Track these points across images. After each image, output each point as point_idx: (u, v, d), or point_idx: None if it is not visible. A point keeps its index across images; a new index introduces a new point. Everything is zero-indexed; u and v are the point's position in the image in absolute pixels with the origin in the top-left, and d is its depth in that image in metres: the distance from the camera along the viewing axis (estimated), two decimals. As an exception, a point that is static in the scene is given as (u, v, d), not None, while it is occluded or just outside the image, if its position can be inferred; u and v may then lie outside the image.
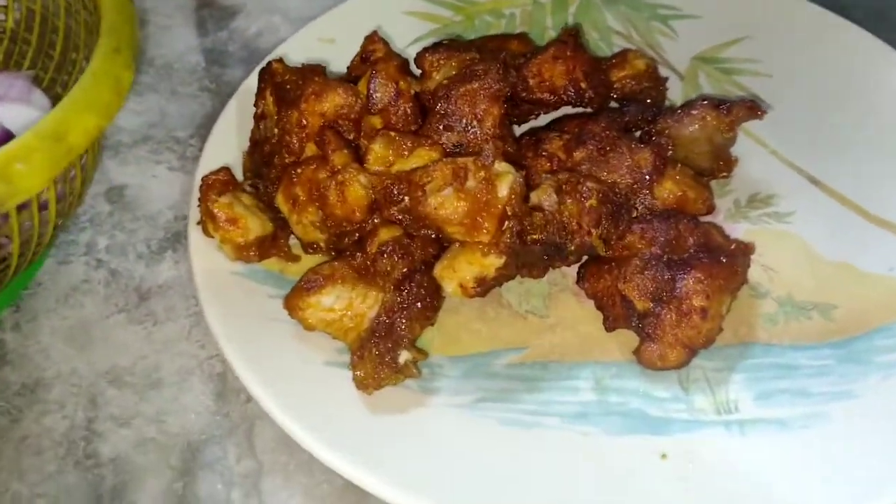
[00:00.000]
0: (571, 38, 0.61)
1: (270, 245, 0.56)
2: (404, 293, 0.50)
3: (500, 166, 0.49)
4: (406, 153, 0.52)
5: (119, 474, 0.51)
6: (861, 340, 0.52)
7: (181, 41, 0.77)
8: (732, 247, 0.53)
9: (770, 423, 0.49)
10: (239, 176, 0.59)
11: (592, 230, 0.52)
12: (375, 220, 0.52)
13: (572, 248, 0.52)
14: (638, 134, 0.59)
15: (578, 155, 0.55)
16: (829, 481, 0.46)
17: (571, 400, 0.51)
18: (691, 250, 0.52)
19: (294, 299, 0.51)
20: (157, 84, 0.73)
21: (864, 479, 0.46)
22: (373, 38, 0.59)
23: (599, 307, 0.54)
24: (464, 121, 0.53)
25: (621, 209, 0.53)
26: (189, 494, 0.50)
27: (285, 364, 0.51)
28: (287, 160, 0.55)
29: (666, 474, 0.47)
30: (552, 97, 0.61)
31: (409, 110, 0.55)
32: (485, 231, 0.49)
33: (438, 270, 0.50)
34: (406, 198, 0.50)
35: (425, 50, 0.58)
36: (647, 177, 0.54)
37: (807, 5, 0.69)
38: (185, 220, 0.61)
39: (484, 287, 0.50)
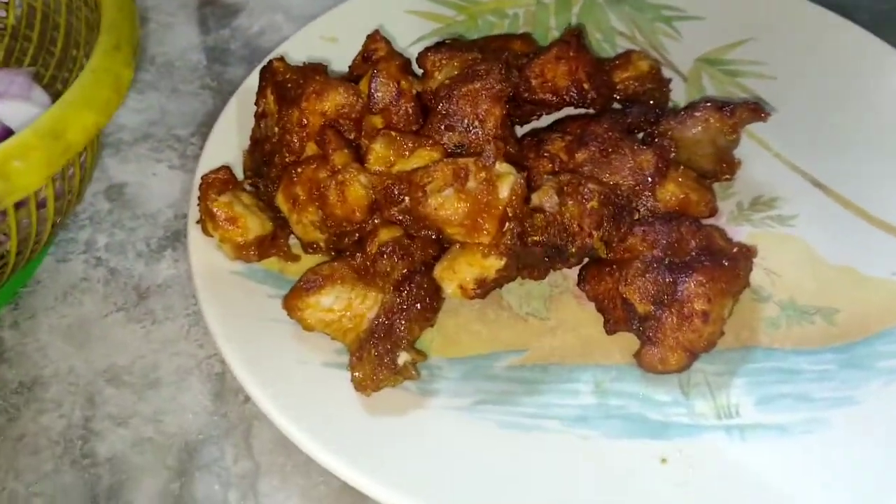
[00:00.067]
0: (575, 38, 0.61)
1: (270, 244, 0.56)
2: (404, 294, 0.50)
3: (502, 167, 0.49)
4: (407, 153, 0.52)
5: (116, 474, 0.51)
6: (863, 345, 0.52)
7: (183, 39, 0.76)
8: (734, 250, 0.52)
9: (771, 428, 0.49)
10: (239, 175, 0.59)
11: (594, 232, 0.52)
12: (375, 221, 0.52)
13: (573, 250, 0.52)
14: (640, 135, 0.59)
15: (580, 156, 0.55)
16: (830, 487, 0.46)
17: (571, 403, 0.50)
18: (693, 253, 0.51)
19: (293, 299, 0.51)
20: (158, 82, 0.73)
21: (864, 486, 0.46)
22: (375, 38, 0.58)
23: (600, 310, 0.54)
24: (465, 121, 0.53)
25: (623, 211, 0.53)
26: (186, 495, 0.50)
27: (284, 365, 0.51)
28: (287, 159, 0.55)
29: (665, 479, 0.47)
30: (554, 98, 0.60)
31: (410, 110, 0.54)
32: (485, 232, 0.48)
33: (438, 271, 0.50)
34: (406, 198, 0.50)
35: (427, 49, 0.58)
36: (650, 179, 0.54)
37: (811, 7, 0.69)
38: (185, 218, 0.61)
39: (484, 289, 0.50)
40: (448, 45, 0.59)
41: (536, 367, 0.52)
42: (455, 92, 0.53)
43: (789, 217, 0.59)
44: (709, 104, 0.58)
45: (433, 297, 0.51)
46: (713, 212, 0.56)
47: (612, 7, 0.72)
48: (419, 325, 0.50)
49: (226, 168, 0.56)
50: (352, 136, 0.55)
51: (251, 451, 0.52)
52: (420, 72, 0.58)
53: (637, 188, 0.54)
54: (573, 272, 0.56)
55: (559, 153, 0.56)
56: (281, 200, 0.54)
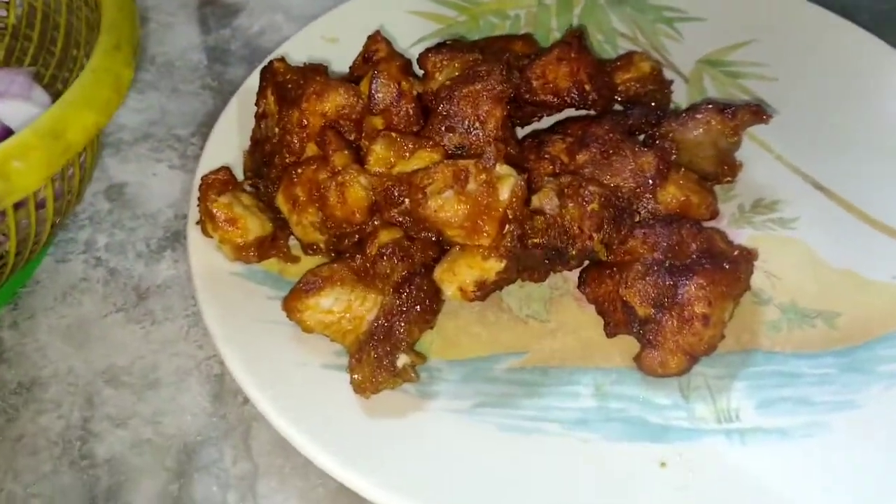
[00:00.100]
0: (576, 39, 0.61)
1: (270, 246, 0.55)
2: (403, 296, 0.49)
3: (502, 169, 0.49)
4: (407, 154, 0.52)
5: (114, 475, 0.51)
6: (864, 349, 0.52)
7: (183, 39, 0.76)
8: (735, 253, 0.52)
9: (771, 432, 0.48)
10: (239, 175, 0.58)
11: (594, 234, 0.52)
12: (375, 222, 0.52)
13: (574, 252, 0.52)
14: (642, 137, 0.59)
15: (581, 158, 0.55)
16: (830, 491, 0.46)
17: (571, 406, 0.50)
18: (694, 256, 0.51)
19: (292, 301, 0.51)
20: (158, 82, 0.73)
21: (865, 490, 0.46)
22: (375, 38, 0.58)
23: (600, 312, 0.53)
24: (466, 122, 0.53)
25: (623, 213, 0.53)
26: (184, 496, 0.50)
27: (283, 366, 0.51)
28: (288, 160, 0.55)
29: (665, 483, 0.47)
30: (556, 99, 0.60)
31: (410, 111, 0.54)
32: (485, 234, 0.48)
33: (438, 273, 0.50)
34: (406, 200, 0.50)
35: (428, 50, 0.58)
36: (651, 181, 0.54)
37: (813, 8, 0.68)
38: (185, 218, 0.61)
39: (484, 291, 0.50)
40: (449, 46, 0.59)
41: (536, 370, 0.52)
42: (456, 93, 0.53)
43: (791, 220, 0.59)
44: (710, 106, 0.58)
45: (433, 299, 0.50)
46: (714, 214, 0.56)
47: (613, 8, 0.72)
48: (419, 327, 0.50)
49: (226, 169, 0.56)
50: (352, 137, 0.54)
51: (250, 453, 0.52)
52: (421, 73, 0.58)
53: (638, 190, 0.54)
54: (573, 274, 0.55)
55: (560, 155, 0.56)
56: (281, 201, 0.54)
